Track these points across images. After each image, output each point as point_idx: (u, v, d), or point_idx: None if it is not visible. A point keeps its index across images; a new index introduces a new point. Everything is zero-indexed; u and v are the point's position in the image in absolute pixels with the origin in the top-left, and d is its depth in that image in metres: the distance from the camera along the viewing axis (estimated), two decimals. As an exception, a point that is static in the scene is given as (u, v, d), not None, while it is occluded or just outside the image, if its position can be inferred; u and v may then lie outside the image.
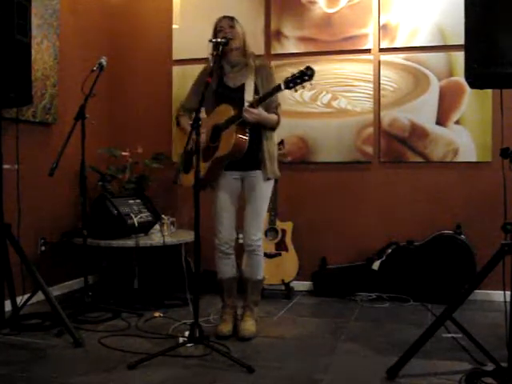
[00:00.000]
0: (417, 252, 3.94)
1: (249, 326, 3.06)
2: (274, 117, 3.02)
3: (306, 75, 2.72)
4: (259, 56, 3.29)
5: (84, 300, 3.45)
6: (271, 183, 3.12)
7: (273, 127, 3.06)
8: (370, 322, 3.41)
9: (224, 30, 3.01)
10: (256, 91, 3.00)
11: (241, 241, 3.25)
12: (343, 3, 4.24)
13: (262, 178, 3.04)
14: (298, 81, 2.73)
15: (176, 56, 4.57)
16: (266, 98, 2.88)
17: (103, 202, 3.86)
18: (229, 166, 3.03)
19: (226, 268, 3.16)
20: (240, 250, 3.29)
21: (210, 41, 3.01)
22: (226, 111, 2.94)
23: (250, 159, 3.00)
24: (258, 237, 3.08)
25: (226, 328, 3.06)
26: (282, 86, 2.77)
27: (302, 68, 2.75)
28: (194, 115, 2.74)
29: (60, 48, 4.03)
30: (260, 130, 3.02)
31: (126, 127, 4.70)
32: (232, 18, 3.06)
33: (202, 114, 3.02)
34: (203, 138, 2.95)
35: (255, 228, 3.07)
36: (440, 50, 4.06)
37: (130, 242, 3.72)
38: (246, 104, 2.90)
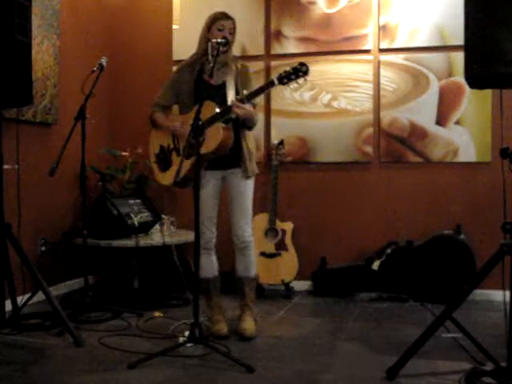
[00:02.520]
0: (417, 252, 3.94)
1: (248, 325, 3.05)
2: (257, 115, 3.01)
3: (301, 71, 2.71)
4: (239, 58, 3.29)
5: (84, 300, 3.46)
6: (252, 180, 3.12)
7: (252, 127, 3.03)
8: (370, 321, 3.41)
9: (225, 32, 3.00)
10: (236, 91, 2.99)
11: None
12: (343, 3, 4.24)
13: (243, 176, 3.04)
14: (293, 77, 2.72)
15: (176, 56, 4.57)
16: (259, 92, 2.85)
17: (103, 202, 3.86)
18: (209, 166, 3.01)
19: (211, 266, 3.16)
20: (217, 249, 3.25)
21: (209, 40, 3.01)
22: (209, 108, 2.86)
23: (230, 157, 3.00)
24: (249, 233, 3.10)
25: (225, 328, 3.05)
26: (276, 82, 2.76)
27: (295, 64, 2.74)
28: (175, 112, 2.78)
29: (60, 48, 4.03)
30: (238, 129, 3.01)
31: (126, 127, 4.70)
32: (234, 21, 3.04)
33: (176, 110, 3.12)
34: (184, 134, 2.92)
35: (246, 225, 3.08)
36: (440, 50, 4.06)
37: (130, 242, 3.72)
38: (234, 98, 2.88)
